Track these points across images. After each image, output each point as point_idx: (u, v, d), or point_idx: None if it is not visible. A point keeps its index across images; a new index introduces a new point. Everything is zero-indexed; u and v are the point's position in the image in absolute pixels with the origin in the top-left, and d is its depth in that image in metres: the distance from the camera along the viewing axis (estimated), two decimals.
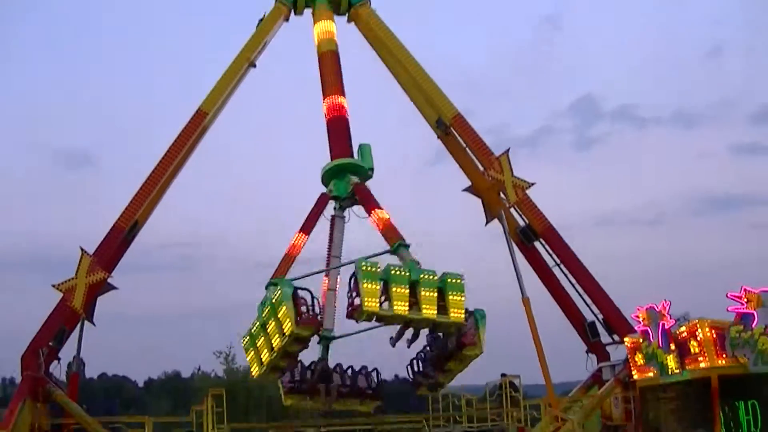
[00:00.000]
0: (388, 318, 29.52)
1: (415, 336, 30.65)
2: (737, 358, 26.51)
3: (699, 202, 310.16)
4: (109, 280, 35.82)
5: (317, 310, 30.57)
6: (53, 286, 34.54)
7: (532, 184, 37.48)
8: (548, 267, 38.69)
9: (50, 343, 34.65)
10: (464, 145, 39.06)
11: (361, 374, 34.71)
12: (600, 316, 37.54)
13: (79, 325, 35.93)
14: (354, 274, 29.32)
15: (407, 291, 29.29)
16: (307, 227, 35.17)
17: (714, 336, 26.68)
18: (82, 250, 35.04)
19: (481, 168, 38.33)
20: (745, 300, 26.46)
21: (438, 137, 39.80)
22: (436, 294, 29.78)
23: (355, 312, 29.23)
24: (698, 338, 26.91)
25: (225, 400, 33.48)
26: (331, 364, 34.89)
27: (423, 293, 29.56)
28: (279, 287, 30.33)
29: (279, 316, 29.90)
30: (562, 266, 38.06)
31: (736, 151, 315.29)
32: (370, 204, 34.88)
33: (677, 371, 27.87)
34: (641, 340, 29.72)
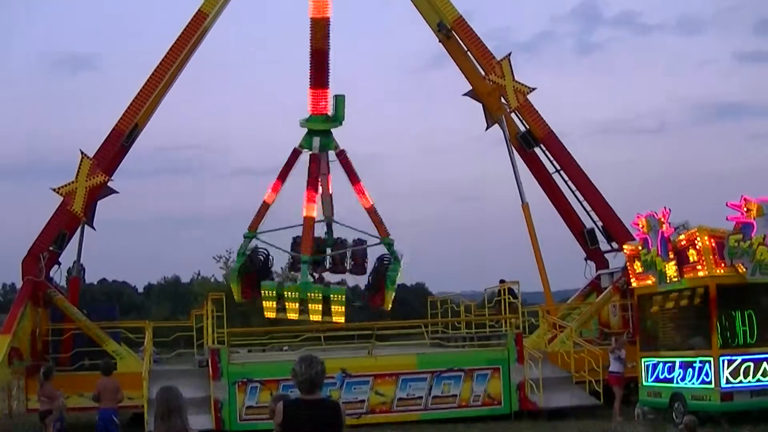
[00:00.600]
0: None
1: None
2: (735, 268, 26.54)
3: (701, 111, 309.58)
4: (109, 184, 35.78)
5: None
6: (53, 189, 34.48)
7: (533, 89, 37.33)
8: (548, 173, 38.74)
9: (50, 248, 34.66)
10: (465, 49, 38.76)
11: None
12: (599, 224, 37.69)
13: (79, 230, 36.03)
14: None
15: (297, 304, 34.45)
16: (281, 177, 36.57)
17: (713, 245, 26.65)
18: (82, 153, 34.88)
19: (482, 72, 38.16)
20: (745, 209, 26.42)
21: (439, 41, 39.40)
22: (321, 305, 34.26)
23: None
24: (697, 247, 26.89)
25: (225, 304, 33.62)
26: None
27: (311, 306, 34.25)
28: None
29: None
30: (562, 172, 38.11)
31: (740, 58, 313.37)
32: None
33: (675, 279, 27.90)
34: (640, 248, 29.71)
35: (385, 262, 35.38)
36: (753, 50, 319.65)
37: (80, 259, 36.46)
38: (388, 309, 35.91)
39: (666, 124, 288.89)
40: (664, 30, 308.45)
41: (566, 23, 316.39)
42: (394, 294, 35.35)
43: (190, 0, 37.53)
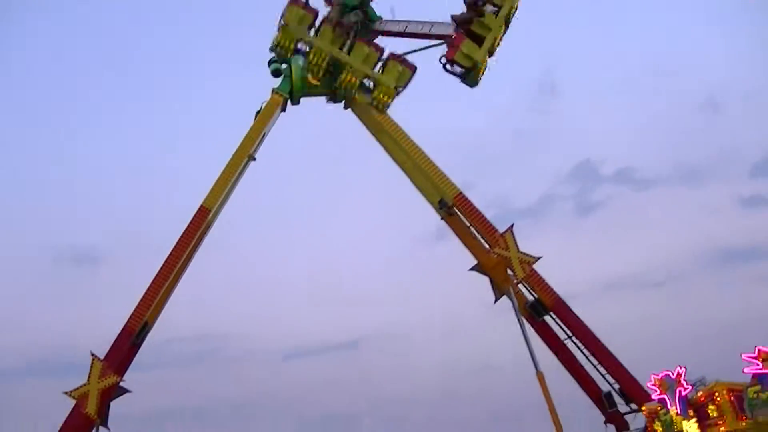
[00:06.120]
0: None
1: None
2: (757, 419, 26.30)
3: (706, 260, 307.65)
4: (121, 384, 35.71)
5: None
6: (65, 393, 34.48)
7: (539, 258, 37.56)
8: (560, 340, 38.56)
9: None
10: (468, 224, 39.02)
11: None
12: (615, 386, 37.36)
13: (94, 431, 35.78)
14: None
15: None
16: None
17: (732, 398, 26.50)
18: (92, 355, 35.02)
19: (487, 246, 38.33)
20: (761, 360, 26.30)
21: (441, 218, 39.73)
22: None
23: None
24: (716, 402, 26.73)
25: None
26: None
27: None
28: None
29: None
30: (574, 338, 37.95)
31: (740, 203, 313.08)
32: None
33: None
34: (659, 408, 29.52)
35: None
36: (751, 194, 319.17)
37: None
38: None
39: (672, 276, 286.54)
40: (663, 182, 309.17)
41: (566, 185, 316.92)
42: None
43: (193, 195, 37.94)
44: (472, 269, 39.27)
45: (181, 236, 37.67)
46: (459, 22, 31.93)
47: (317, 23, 38.76)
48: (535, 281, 37.83)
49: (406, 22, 33.62)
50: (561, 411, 36.57)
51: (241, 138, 39.66)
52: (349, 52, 32.15)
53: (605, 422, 38.16)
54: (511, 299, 38.11)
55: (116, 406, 36.73)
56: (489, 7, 33.91)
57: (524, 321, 38.05)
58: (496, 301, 39.16)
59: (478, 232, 38.80)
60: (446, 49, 36.11)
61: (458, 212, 39.03)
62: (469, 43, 31.14)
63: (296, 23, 30.55)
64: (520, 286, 38.53)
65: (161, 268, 37.11)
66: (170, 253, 37.36)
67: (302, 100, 40.90)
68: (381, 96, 34.29)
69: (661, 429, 29.58)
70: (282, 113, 41.03)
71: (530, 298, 38.68)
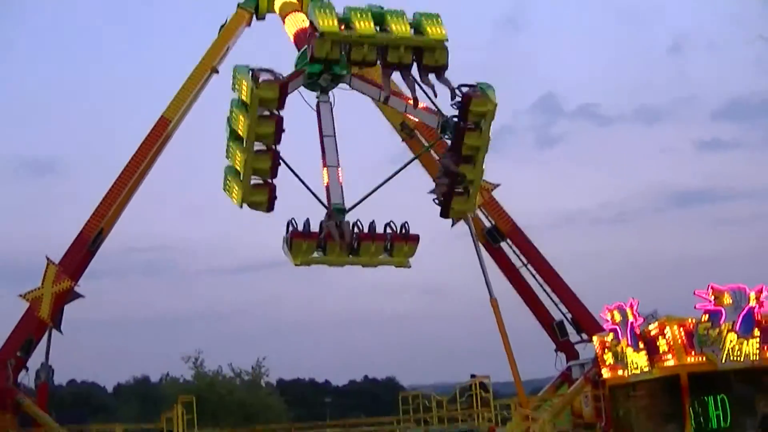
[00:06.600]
0: (354, 40, 27.42)
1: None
2: (706, 356, 26.67)
3: (663, 199, 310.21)
4: (75, 289, 35.70)
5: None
6: (20, 296, 34.47)
7: (497, 185, 37.78)
8: (515, 267, 38.85)
9: (18, 354, 34.54)
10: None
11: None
12: (568, 315, 37.76)
13: (46, 335, 35.82)
14: None
15: (371, 23, 27.34)
16: None
17: (682, 334, 26.82)
18: (47, 259, 35.00)
19: None
20: (713, 297, 26.62)
21: (402, 140, 39.61)
22: (408, 27, 27.84)
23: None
24: (666, 336, 27.04)
25: (195, 406, 33.38)
26: None
27: (392, 23, 27.72)
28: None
29: (239, 94, 26.78)
30: (529, 266, 38.28)
31: (699, 147, 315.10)
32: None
33: (646, 369, 28.00)
34: (610, 339, 29.84)
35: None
36: (711, 138, 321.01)
37: (48, 362, 36.21)
38: (496, 104, 29.21)
39: (629, 213, 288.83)
40: (624, 120, 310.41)
41: (527, 117, 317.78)
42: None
43: (154, 104, 37.85)
44: (431, 192, 39.24)
45: (140, 146, 37.51)
46: (440, 192, 31.32)
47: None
48: (493, 208, 38.08)
49: (378, 90, 31.78)
50: (513, 338, 36.93)
51: (205, 51, 39.45)
52: (358, 247, 30.20)
53: (556, 350, 38.56)
54: (468, 224, 38.21)
55: (70, 310, 36.81)
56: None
57: (480, 247, 38.28)
58: (453, 225, 39.25)
59: (438, 156, 38.75)
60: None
61: (419, 135, 38.92)
62: (459, 199, 30.83)
63: (302, 255, 29.26)
64: (478, 211, 38.67)
65: (118, 176, 37.02)
66: (128, 163, 37.26)
67: (268, 16, 40.48)
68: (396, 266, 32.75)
69: (611, 360, 29.95)
70: (247, 28, 40.68)
71: (488, 224, 38.91)
